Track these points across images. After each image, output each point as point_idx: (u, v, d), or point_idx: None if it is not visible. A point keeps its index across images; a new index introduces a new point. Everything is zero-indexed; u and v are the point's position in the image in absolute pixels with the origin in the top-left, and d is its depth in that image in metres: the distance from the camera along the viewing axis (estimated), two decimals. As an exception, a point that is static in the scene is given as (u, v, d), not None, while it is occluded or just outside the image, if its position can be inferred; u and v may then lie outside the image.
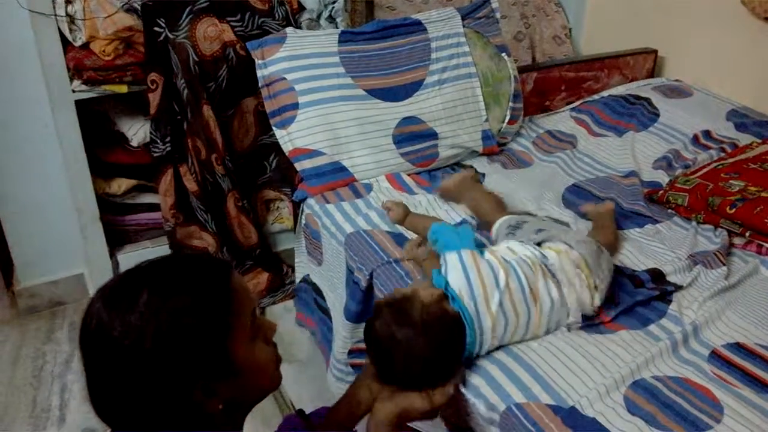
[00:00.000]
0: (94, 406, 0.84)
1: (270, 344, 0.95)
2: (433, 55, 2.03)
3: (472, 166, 1.99)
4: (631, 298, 1.40)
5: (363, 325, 1.55)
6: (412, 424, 1.39)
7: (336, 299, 1.76)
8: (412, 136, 1.94)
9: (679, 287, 1.44)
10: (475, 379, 1.23)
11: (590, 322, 1.34)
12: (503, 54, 2.16)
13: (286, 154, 1.89)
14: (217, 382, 0.84)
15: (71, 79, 1.99)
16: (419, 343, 1.13)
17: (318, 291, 1.90)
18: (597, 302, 1.33)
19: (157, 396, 0.81)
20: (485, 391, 1.21)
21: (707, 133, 2.10)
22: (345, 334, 1.64)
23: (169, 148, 2.10)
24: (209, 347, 0.82)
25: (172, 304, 0.80)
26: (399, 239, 1.62)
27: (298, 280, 2.04)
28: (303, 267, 2.00)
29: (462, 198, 1.71)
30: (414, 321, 1.14)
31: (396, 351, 1.13)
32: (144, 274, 0.85)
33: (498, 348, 1.27)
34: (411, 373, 1.14)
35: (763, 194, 1.65)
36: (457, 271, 1.23)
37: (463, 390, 1.23)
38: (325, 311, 1.85)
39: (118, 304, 0.81)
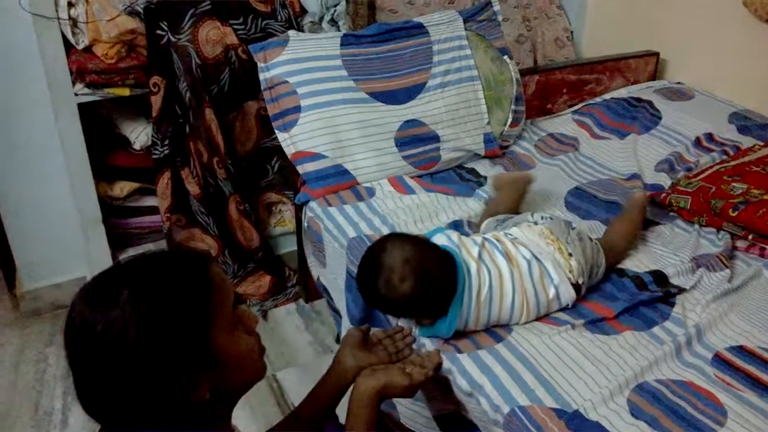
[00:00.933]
0: (84, 404, 0.85)
1: (252, 334, 0.96)
2: (435, 58, 2.03)
3: (530, 175, 1.80)
4: (634, 298, 1.41)
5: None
6: (408, 424, 1.40)
7: (341, 300, 1.76)
8: (414, 139, 1.94)
9: (682, 290, 1.44)
10: (480, 379, 1.23)
11: (596, 317, 1.35)
12: (505, 57, 2.16)
13: (288, 157, 1.89)
14: (201, 372, 0.85)
15: (74, 82, 2.00)
16: (408, 256, 1.24)
17: (327, 292, 1.90)
18: (575, 268, 1.36)
19: (144, 389, 0.82)
20: (489, 391, 1.21)
21: (709, 136, 2.10)
22: None
23: (167, 151, 2.11)
24: (191, 338, 0.84)
25: (153, 296, 0.82)
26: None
27: (316, 279, 2.02)
28: (315, 267, 1.99)
29: (502, 193, 1.73)
30: (402, 240, 1.29)
31: (385, 263, 1.24)
32: (124, 271, 0.86)
33: (501, 337, 1.27)
34: (399, 290, 1.23)
35: (766, 197, 1.65)
36: (441, 238, 1.36)
37: (457, 381, 1.24)
38: (336, 311, 1.85)
39: (100, 301, 0.82)
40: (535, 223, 1.47)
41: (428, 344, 1.34)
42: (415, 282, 1.23)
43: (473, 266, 1.30)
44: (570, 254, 1.38)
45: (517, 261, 1.34)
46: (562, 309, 1.39)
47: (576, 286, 1.37)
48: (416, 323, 1.34)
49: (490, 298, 1.30)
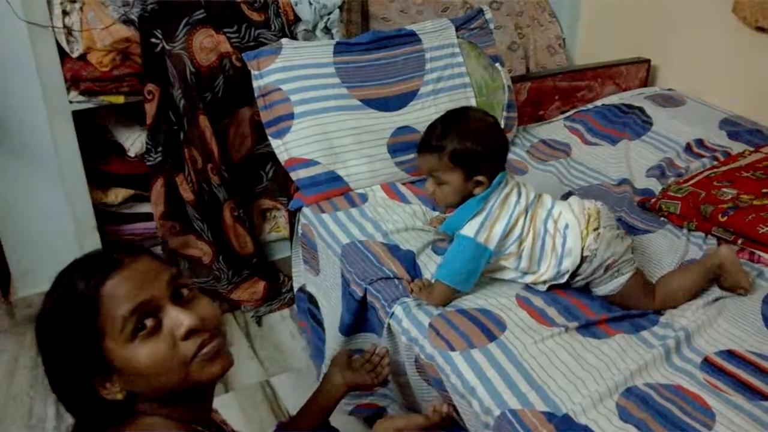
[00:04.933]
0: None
1: (184, 339, 0.88)
2: (428, 66, 2.04)
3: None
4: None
5: (354, 339, 1.58)
6: None
7: (330, 310, 1.76)
8: (406, 145, 1.95)
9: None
10: (472, 381, 1.24)
11: (590, 320, 1.37)
12: (497, 64, 2.18)
13: (282, 163, 1.90)
14: (105, 376, 0.89)
15: (68, 90, 2.01)
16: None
17: (313, 301, 1.90)
18: (590, 240, 1.39)
19: (69, 385, 0.90)
20: (481, 394, 1.22)
21: (700, 142, 2.11)
22: (336, 347, 1.66)
23: (160, 158, 2.12)
24: (82, 347, 0.87)
25: (46, 304, 0.91)
26: (394, 250, 1.63)
27: (296, 290, 2.05)
28: (300, 276, 2.00)
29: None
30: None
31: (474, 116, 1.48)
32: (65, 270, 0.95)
33: (494, 335, 1.28)
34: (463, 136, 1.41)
35: (756, 202, 1.66)
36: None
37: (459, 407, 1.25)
38: (319, 322, 1.86)
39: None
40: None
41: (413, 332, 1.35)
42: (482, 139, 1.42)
43: (511, 183, 1.45)
44: (595, 229, 1.40)
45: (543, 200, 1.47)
46: (558, 282, 1.43)
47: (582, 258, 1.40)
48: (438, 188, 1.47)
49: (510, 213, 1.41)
